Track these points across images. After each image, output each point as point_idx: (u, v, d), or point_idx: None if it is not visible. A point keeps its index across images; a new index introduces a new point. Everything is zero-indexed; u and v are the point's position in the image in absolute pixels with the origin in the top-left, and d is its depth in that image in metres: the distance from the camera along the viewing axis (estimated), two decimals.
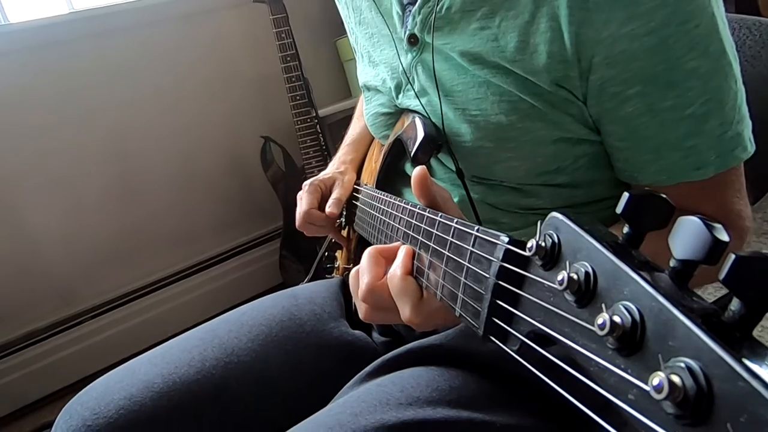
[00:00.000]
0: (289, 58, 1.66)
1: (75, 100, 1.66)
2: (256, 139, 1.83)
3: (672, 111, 0.47)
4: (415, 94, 0.61)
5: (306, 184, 0.78)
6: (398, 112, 0.68)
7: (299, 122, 1.71)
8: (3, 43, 1.54)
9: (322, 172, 0.81)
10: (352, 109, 0.94)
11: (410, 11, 0.60)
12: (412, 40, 0.60)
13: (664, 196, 0.22)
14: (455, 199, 0.54)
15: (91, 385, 0.65)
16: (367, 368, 0.59)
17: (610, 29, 0.45)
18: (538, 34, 0.48)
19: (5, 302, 1.63)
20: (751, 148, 0.49)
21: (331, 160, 0.86)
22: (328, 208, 0.74)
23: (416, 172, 0.44)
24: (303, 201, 0.76)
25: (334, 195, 0.75)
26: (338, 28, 2.00)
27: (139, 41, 1.75)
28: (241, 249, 2.01)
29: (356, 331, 0.73)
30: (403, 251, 0.43)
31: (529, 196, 0.58)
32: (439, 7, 0.55)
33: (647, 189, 0.23)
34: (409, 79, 0.62)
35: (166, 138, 1.82)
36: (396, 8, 0.62)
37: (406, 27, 0.60)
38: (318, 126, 1.74)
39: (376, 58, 0.69)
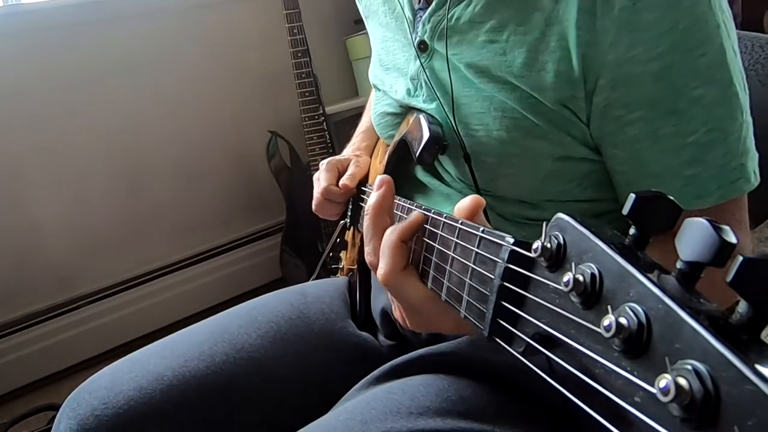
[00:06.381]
0: (300, 54, 1.66)
1: (81, 85, 1.66)
2: (263, 133, 1.83)
3: (673, 138, 0.46)
4: (429, 98, 0.60)
5: (324, 162, 0.77)
6: (404, 113, 0.68)
7: (307, 118, 1.71)
8: (12, 24, 1.54)
9: (339, 155, 0.82)
10: (359, 108, 0.95)
11: (420, 18, 0.59)
12: (422, 47, 0.59)
13: (671, 197, 0.22)
14: None
15: (98, 374, 0.65)
16: (376, 372, 0.58)
17: (616, 52, 0.45)
18: (547, 53, 0.48)
19: (4, 283, 1.63)
20: (755, 180, 0.48)
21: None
22: (343, 180, 0.74)
23: (472, 200, 0.39)
24: (321, 179, 0.76)
25: (349, 171, 0.75)
26: (349, 27, 2.00)
27: (150, 30, 1.74)
28: (242, 242, 2.01)
29: (363, 333, 0.72)
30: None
31: (535, 209, 0.57)
32: (448, 16, 0.55)
33: (654, 190, 0.22)
34: (417, 85, 0.62)
35: (173, 127, 1.82)
36: (407, 13, 0.61)
37: (417, 33, 0.60)
38: (325, 123, 1.74)
39: (387, 63, 0.69)
